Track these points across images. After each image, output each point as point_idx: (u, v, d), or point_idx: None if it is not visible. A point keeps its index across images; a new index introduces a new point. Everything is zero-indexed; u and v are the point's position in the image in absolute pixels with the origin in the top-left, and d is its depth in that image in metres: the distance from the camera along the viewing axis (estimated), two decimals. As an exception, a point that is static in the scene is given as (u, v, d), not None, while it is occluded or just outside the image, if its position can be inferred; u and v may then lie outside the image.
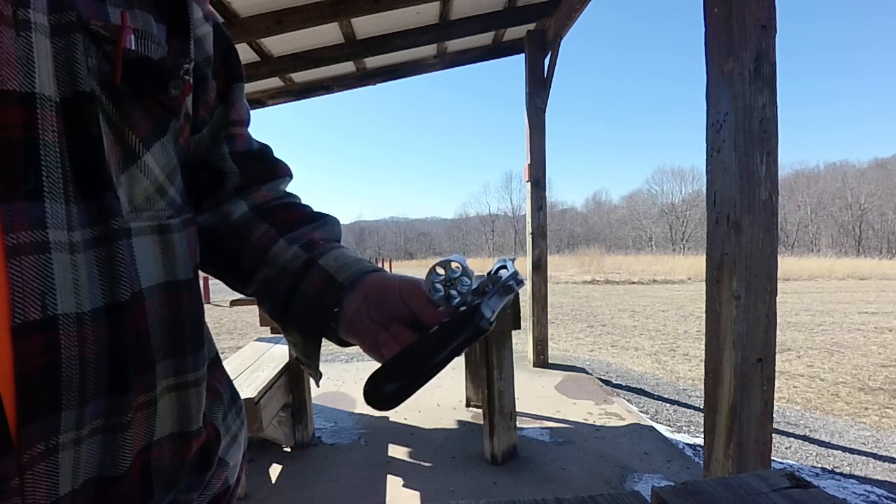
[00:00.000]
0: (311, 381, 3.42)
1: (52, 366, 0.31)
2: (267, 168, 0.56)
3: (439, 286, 0.41)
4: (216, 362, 0.51)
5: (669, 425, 3.32)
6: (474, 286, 0.40)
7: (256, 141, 0.58)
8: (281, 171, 0.58)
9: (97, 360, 0.33)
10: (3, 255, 0.29)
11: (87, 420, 0.33)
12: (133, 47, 0.37)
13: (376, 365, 0.42)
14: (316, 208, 0.57)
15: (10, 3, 0.30)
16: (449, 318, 0.38)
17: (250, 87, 4.56)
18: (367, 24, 3.88)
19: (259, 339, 3.37)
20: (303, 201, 0.58)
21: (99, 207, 0.34)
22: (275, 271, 0.50)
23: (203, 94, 0.48)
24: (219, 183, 0.53)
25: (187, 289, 0.43)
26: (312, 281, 0.48)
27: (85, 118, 0.33)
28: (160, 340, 0.39)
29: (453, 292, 0.40)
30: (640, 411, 3.49)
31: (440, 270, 0.41)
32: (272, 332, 3.34)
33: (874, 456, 2.91)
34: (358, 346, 0.48)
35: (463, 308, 0.38)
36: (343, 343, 0.49)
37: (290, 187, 0.61)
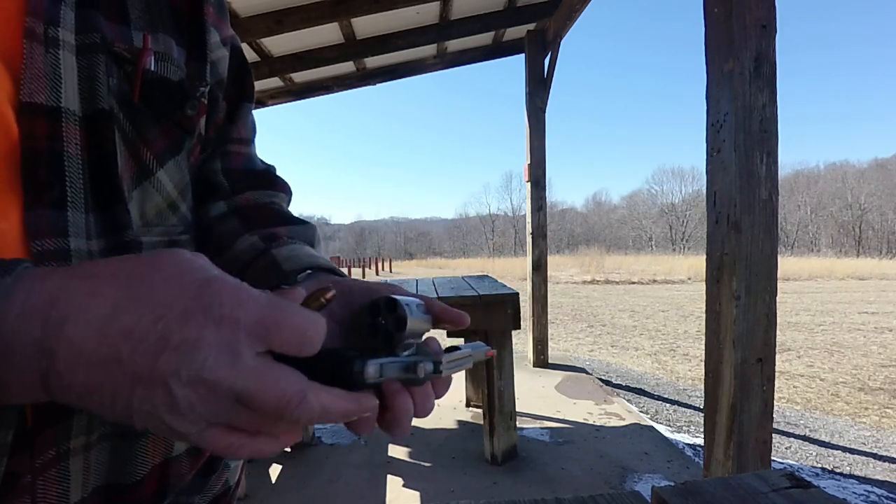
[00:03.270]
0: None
1: None
2: (260, 182, 0.54)
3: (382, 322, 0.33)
4: None
5: (669, 425, 3.32)
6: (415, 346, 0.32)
7: (262, 162, 0.57)
8: (277, 187, 0.56)
9: None
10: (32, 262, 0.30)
11: (97, 425, 0.34)
12: (152, 68, 0.38)
13: None
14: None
15: (43, 21, 0.31)
16: (333, 352, 0.30)
17: (250, 87, 4.55)
18: (367, 24, 3.88)
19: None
20: (288, 211, 0.55)
21: (110, 219, 0.35)
22: (228, 260, 0.47)
23: (213, 115, 0.49)
24: (208, 195, 0.52)
25: None
26: (256, 268, 0.45)
27: (102, 134, 0.35)
28: None
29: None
30: (640, 411, 3.50)
31: (387, 308, 0.32)
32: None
33: (874, 456, 2.91)
34: None
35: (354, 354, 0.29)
36: None
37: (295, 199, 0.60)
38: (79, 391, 0.23)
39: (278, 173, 0.58)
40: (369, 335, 0.33)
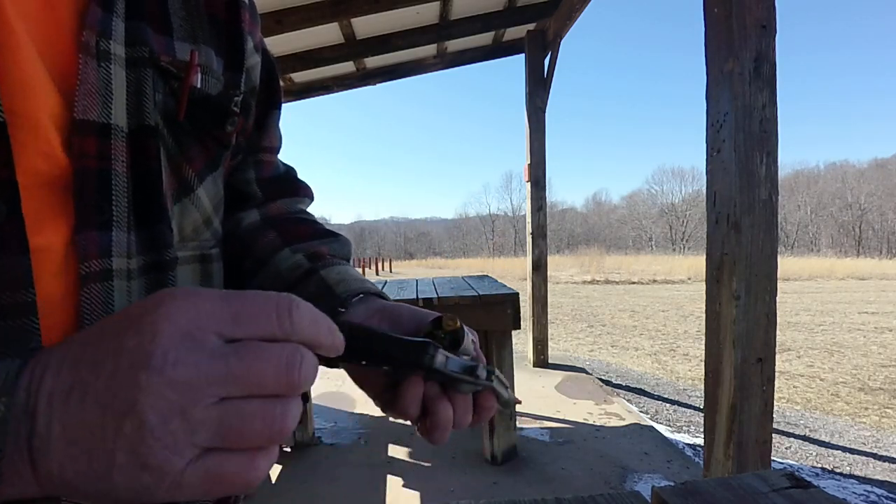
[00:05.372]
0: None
1: None
2: (287, 188, 0.56)
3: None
4: None
5: (669, 425, 3.32)
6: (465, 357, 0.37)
7: (283, 164, 0.58)
8: (301, 192, 0.57)
9: None
10: (78, 283, 0.30)
11: None
12: (199, 85, 0.37)
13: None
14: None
15: (96, 33, 0.31)
16: (410, 338, 0.34)
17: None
18: (367, 24, 3.88)
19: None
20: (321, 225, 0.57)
21: (151, 237, 0.35)
22: (271, 276, 0.48)
23: (245, 123, 0.49)
24: (240, 203, 0.53)
25: None
26: (307, 289, 0.46)
27: (147, 151, 0.34)
28: None
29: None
30: (640, 411, 3.50)
31: (447, 324, 0.37)
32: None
33: (874, 456, 2.91)
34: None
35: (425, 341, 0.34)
36: (327, 359, 0.45)
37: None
38: (59, 456, 0.21)
39: (298, 175, 0.60)
40: None
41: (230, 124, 0.41)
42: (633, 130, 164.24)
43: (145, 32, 0.34)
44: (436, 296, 2.51)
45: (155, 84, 0.34)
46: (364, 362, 0.33)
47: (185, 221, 0.39)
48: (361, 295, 0.44)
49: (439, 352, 0.33)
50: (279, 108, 0.55)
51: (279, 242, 0.50)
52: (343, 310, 0.43)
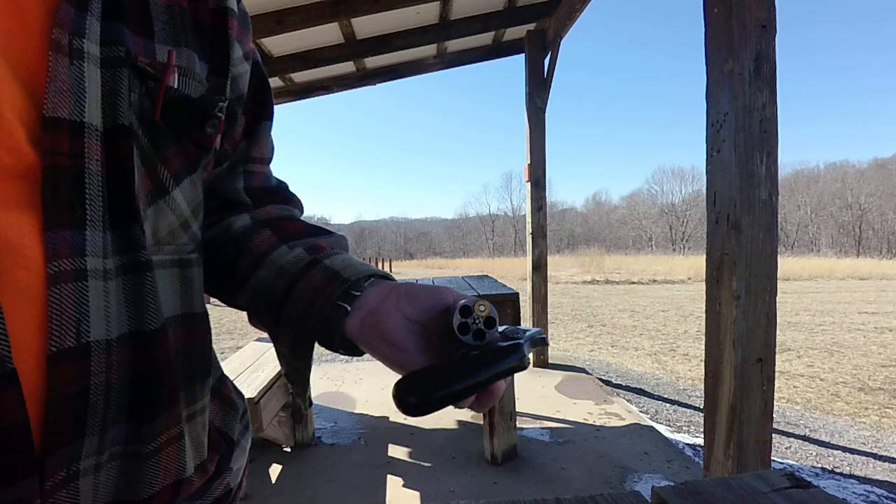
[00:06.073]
0: (312, 380, 3.42)
1: (81, 392, 0.31)
2: (278, 197, 0.56)
3: (470, 323, 0.39)
4: (223, 374, 0.51)
5: (669, 425, 3.32)
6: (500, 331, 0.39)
7: (275, 178, 0.58)
8: (291, 203, 0.57)
9: (119, 386, 0.33)
10: (45, 283, 0.29)
11: (108, 446, 0.33)
12: (176, 86, 0.37)
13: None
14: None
15: (68, 32, 0.31)
16: (489, 348, 0.37)
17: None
18: (367, 24, 3.88)
19: (259, 340, 3.37)
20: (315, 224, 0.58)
21: (126, 237, 0.34)
22: (272, 273, 0.47)
23: (231, 130, 0.49)
24: (228, 210, 0.53)
25: (201, 321, 0.43)
26: (313, 279, 0.44)
27: (120, 151, 0.34)
28: (178, 372, 0.39)
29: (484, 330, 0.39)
30: (640, 411, 3.50)
31: (480, 309, 0.39)
32: (272, 332, 3.34)
33: (874, 456, 2.91)
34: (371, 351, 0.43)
35: (504, 343, 0.37)
36: (348, 347, 0.45)
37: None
38: None
39: (291, 189, 0.60)
40: (460, 331, 0.39)
41: (210, 126, 0.41)
42: (633, 131, 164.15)
43: (122, 33, 0.34)
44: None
45: (131, 84, 0.34)
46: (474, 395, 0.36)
47: (160, 224, 0.39)
48: (372, 278, 0.45)
49: (524, 348, 0.36)
50: (270, 120, 0.55)
51: (275, 240, 0.49)
52: (357, 293, 0.43)
